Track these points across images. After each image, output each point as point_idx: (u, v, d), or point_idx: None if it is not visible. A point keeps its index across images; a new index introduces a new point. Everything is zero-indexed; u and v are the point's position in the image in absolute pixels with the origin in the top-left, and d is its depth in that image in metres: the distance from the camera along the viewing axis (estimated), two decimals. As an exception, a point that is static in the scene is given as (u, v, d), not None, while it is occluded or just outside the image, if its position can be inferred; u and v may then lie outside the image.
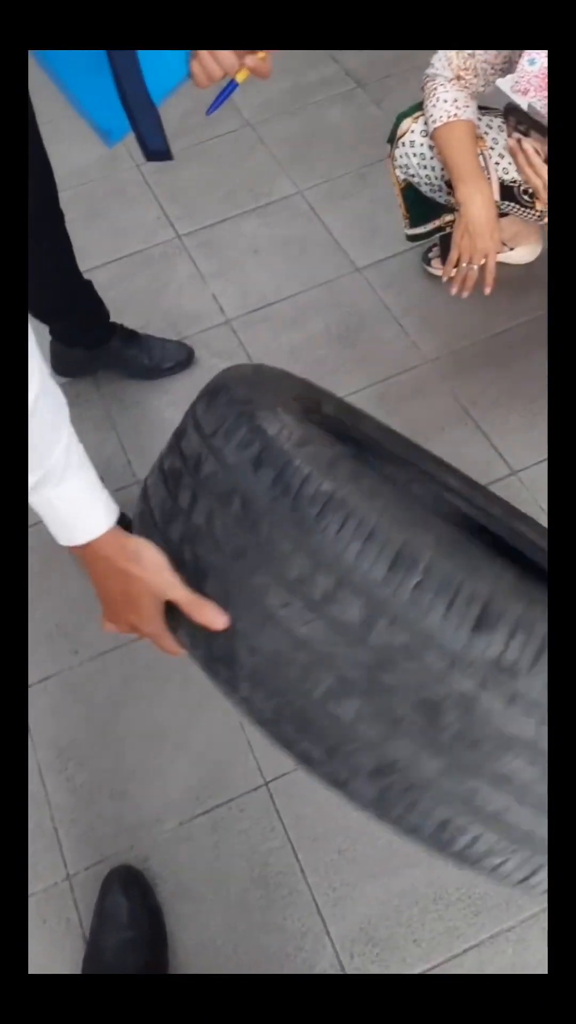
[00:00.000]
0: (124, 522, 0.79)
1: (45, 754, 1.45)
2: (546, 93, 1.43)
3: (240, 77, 1.05)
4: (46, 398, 0.74)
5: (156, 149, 1.08)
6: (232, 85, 1.07)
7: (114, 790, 1.41)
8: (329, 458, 0.75)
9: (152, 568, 0.75)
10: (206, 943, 1.30)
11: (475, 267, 1.59)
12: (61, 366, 1.85)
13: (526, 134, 1.49)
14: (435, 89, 1.55)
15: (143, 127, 1.05)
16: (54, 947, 1.30)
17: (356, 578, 0.68)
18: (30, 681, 1.52)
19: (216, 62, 1.00)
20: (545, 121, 1.53)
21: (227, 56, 1.00)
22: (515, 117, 1.56)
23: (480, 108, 1.62)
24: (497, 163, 1.63)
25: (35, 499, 0.76)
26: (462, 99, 1.54)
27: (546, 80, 1.42)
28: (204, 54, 0.99)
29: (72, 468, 0.76)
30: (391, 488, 0.79)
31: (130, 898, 1.29)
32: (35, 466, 0.73)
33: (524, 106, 1.47)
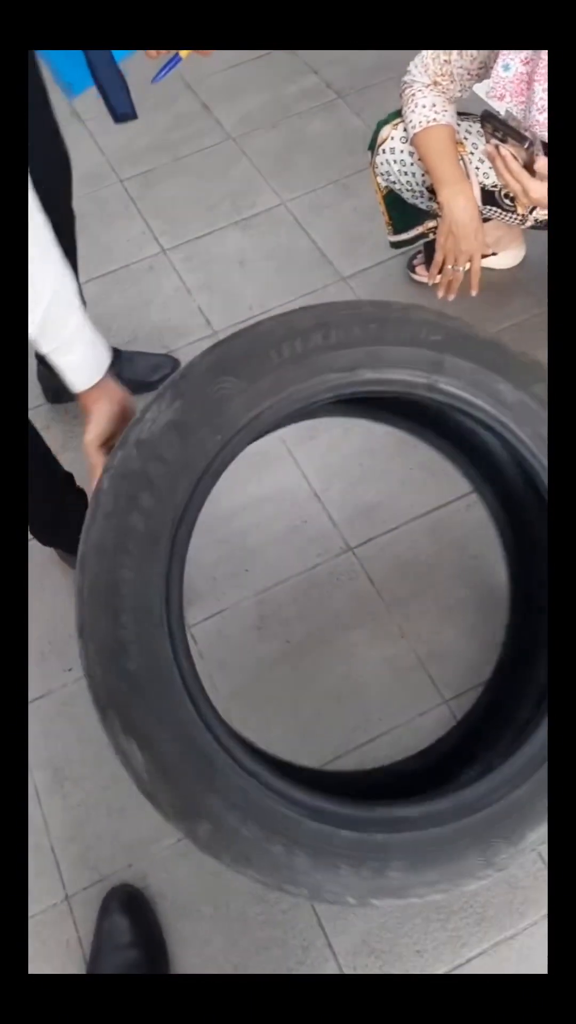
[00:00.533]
0: None
1: (41, 774, 1.44)
2: (522, 98, 1.44)
3: (184, 53, 1.19)
4: (61, 292, 1.00)
5: (123, 111, 1.21)
6: (176, 59, 1.20)
7: (111, 808, 1.40)
8: None
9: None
10: (207, 961, 1.28)
11: (460, 269, 1.59)
12: (51, 393, 1.86)
13: (503, 140, 1.49)
14: (413, 95, 1.56)
15: (110, 92, 1.18)
16: (54, 969, 1.29)
17: None
18: (23, 700, 1.50)
19: None
20: (520, 127, 1.54)
21: None
22: (491, 124, 1.56)
23: (458, 114, 1.62)
24: (477, 168, 1.63)
25: (53, 360, 1.06)
26: (440, 103, 1.54)
27: (521, 85, 1.43)
28: None
29: (76, 342, 1.05)
30: None
31: (129, 918, 1.27)
32: (51, 338, 1.02)
33: (501, 111, 1.47)
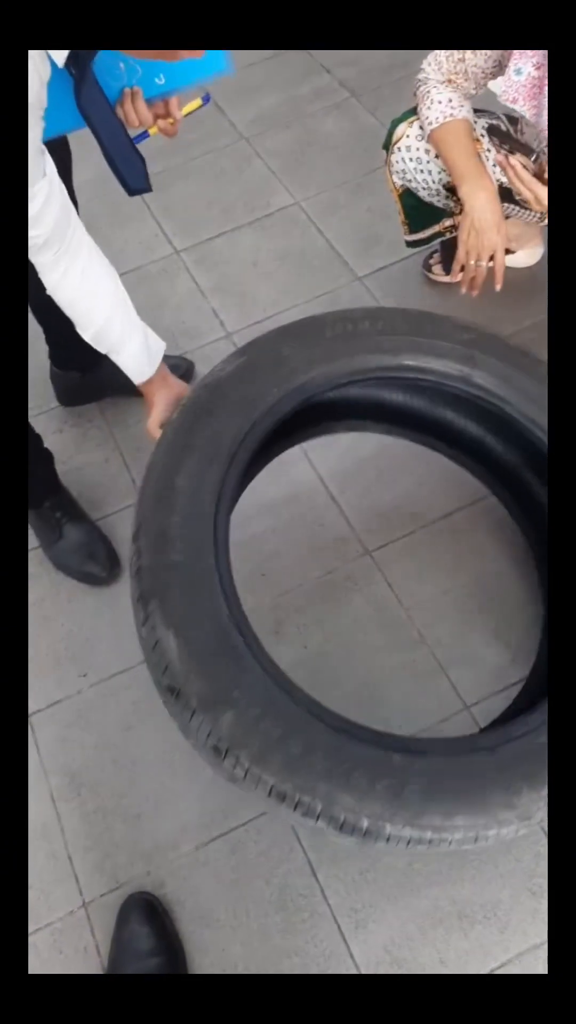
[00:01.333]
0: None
1: (57, 781, 1.43)
2: (535, 103, 1.42)
3: (152, 131, 1.29)
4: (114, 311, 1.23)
5: (137, 187, 1.28)
6: (144, 134, 1.29)
7: (128, 815, 1.39)
8: None
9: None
10: (226, 969, 1.27)
11: (484, 265, 1.57)
12: (65, 396, 1.85)
13: (511, 152, 1.49)
14: (428, 92, 1.54)
15: (124, 171, 1.25)
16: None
17: None
18: (39, 707, 1.49)
19: (136, 115, 1.24)
20: (525, 137, 1.53)
21: (145, 113, 1.24)
22: (498, 138, 1.55)
23: (474, 111, 1.60)
24: (495, 166, 1.61)
25: (114, 359, 1.28)
26: (456, 99, 1.52)
27: (533, 89, 1.40)
28: (128, 106, 1.23)
29: (124, 338, 1.25)
30: None
31: (148, 926, 1.26)
32: (103, 344, 1.25)
33: (517, 109, 1.45)
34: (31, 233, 1.06)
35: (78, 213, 1.57)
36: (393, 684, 1.48)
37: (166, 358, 1.87)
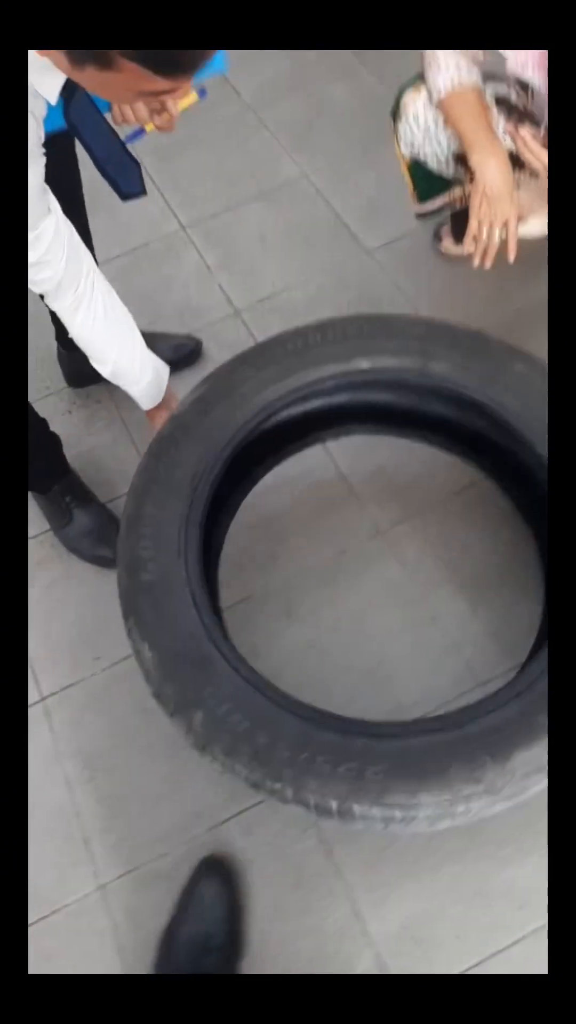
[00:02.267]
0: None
1: (71, 764, 1.43)
2: (544, 73, 1.37)
3: (148, 128, 1.29)
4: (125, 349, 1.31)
5: (130, 192, 1.29)
6: (141, 131, 1.32)
7: (144, 797, 1.39)
8: None
9: None
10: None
11: (497, 234, 1.54)
12: (72, 377, 1.83)
13: (520, 122, 1.45)
14: (435, 57, 1.49)
15: (117, 177, 1.26)
16: (88, 959, 1.28)
17: None
18: (52, 690, 1.50)
19: (132, 113, 1.24)
20: (534, 110, 1.48)
21: (141, 110, 1.24)
22: (506, 107, 1.51)
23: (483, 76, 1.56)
24: (505, 135, 1.57)
25: (126, 390, 1.37)
26: (464, 64, 1.48)
27: (543, 58, 1.36)
28: (124, 105, 1.23)
29: (139, 375, 1.35)
30: None
31: (221, 890, 1.27)
32: (121, 380, 1.34)
33: (526, 76, 1.41)
34: (43, 275, 1.09)
35: (83, 192, 1.55)
36: (406, 663, 1.47)
37: (173, 336, 1.86)
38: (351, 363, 1.38)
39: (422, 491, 1.63)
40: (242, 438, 1.32)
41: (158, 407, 1.42)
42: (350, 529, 1.61)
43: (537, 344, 1.79)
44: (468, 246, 1.60)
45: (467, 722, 1.13)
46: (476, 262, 1.59)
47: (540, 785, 1.09)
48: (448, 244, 1.91)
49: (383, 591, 1.54)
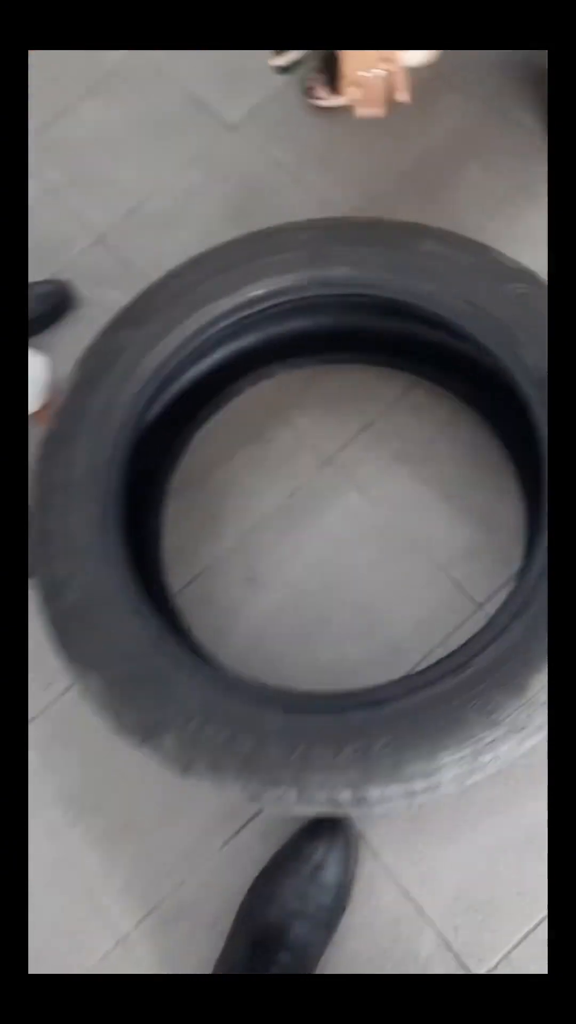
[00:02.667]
0: None
1: (52, 811, 1.25)
2: None
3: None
4: None
5: None
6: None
7: (141, 829, 1.23)
8: None
9: None
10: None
11: (377, 73, 1.27)
12: None
13: None
14: None
15: None
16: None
17: None
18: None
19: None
20: None
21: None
22: None
23: None
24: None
25: None
26: None
27: None
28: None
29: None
30: None
31: (339, 854, 1.12)
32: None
33: None
34: None
35: None
36: (394, 601, 1.30)
37: (36, 285, 1.57)
38: (241, 293, 1.14)
39: (364, 401, 1.41)
40: (140, 412, 1.10)
41: (44, 407, 1.25)
42: (293, 466, 1.40)
43: (451, 188, 1.54)
44: (347, 93, 1.34)
45: (469, 661, 0.99)
46: (361, 110, 1.32)
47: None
48: (323, 97, 1.61)
49: (348, 526, 1.35)
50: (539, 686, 0.97)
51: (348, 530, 1.35)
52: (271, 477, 1.39)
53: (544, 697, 0.97)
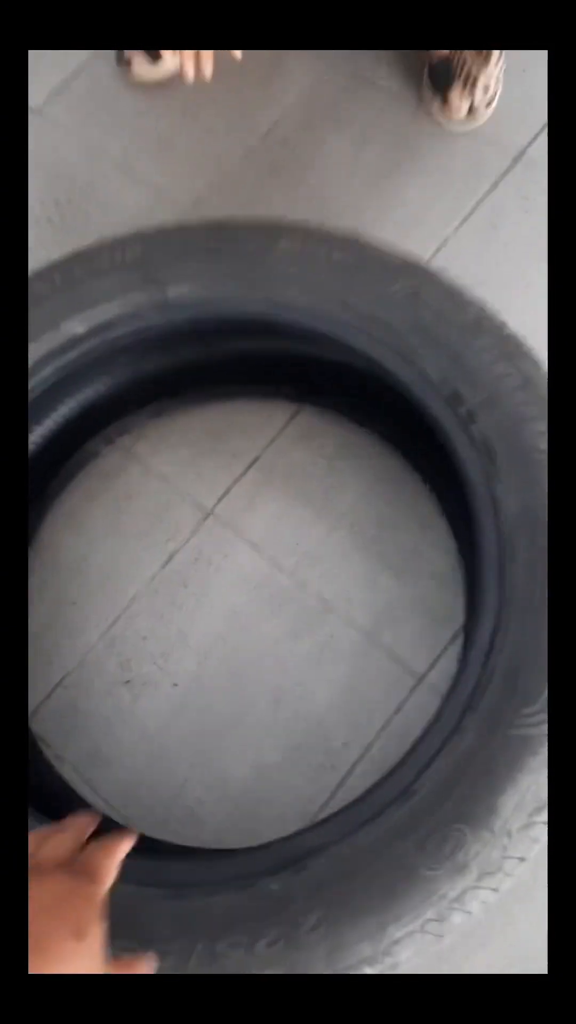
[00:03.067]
0: None
1: None
2: None
3: None
4: None
5: None
6: None
7: None
8: None
9: None
10: None
11: None
12: None
13: None
14: None
15: None
16: None
17: None
18: None
19: None
20: None
21: None
22: None
23: None
24: None
25: None
26: None
27: None
28: None
29: None
30: None
31: None
32: None
33: None
34: None
35: None
36: (316, 680, 1.04)
37: None
38: (60, 333, 0.89)
39: (238, 440, 1.14)
40: None
41: None
42: (170, 522, 1.11)
43: (314, 175, 1.29)
44: (170, 59, 1.07)
45: (414, 780, 0.75)
46: (189, 74, 1.04)
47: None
48: (140, 67, 1.33)
49: (244, 593, 1.08)
50: (511, 803, 0.72)
51: (245, 598, 1.08)
52: (139, 543, 1.10)
53: (519, 818, 0.73)
